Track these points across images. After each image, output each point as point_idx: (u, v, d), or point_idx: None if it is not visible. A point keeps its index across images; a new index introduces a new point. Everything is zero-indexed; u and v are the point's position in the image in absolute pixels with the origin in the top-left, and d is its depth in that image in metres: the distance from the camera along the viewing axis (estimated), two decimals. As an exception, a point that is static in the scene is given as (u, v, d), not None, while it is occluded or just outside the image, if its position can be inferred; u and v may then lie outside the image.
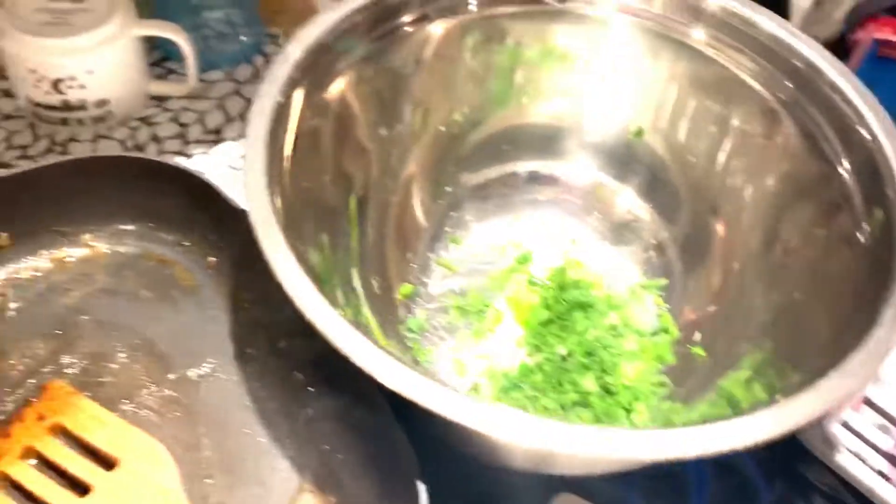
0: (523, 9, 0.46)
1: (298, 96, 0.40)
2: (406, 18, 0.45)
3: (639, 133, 0.50)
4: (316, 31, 0.42)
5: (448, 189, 0.51)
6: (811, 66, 0.43)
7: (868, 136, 0.40)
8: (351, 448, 0.38)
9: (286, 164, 0.39)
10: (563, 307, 0.48)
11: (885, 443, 0.45)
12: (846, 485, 0.44)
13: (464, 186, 0.51)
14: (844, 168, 0.40)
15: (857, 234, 0.39)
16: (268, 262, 0.34)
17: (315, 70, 0.41)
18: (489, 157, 0.51)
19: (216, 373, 0.41)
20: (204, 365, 0.42)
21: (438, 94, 0.48)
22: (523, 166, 0.52)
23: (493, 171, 0.52)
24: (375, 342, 0.32)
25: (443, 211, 0.51)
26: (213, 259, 0.45)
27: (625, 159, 0.50)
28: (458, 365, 0.47)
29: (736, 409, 0.41)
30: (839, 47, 0.60)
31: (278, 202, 0.37)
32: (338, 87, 0.43)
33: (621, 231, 0.51)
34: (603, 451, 0.30)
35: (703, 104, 0.47)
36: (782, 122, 0.44)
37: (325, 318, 0.33)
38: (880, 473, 0.44)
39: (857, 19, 0.59)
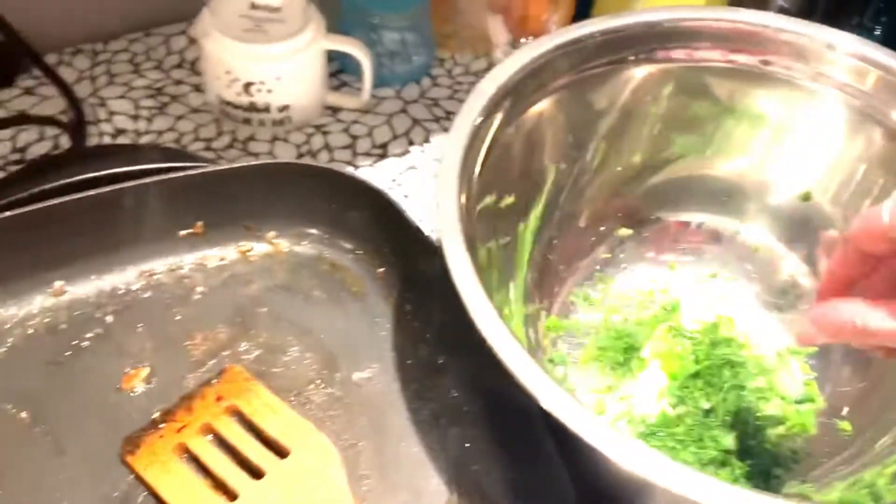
0: (726, 65, 0.47)
1: (495, 120, 0.42)
2: (602, 60, 0.46)
3: (806, 196, 0.50)
4: (514, 65, 0.44)
5: (607, 227, 0.52)
6: None
7: None
8: (503, 473, 0.39)
9: (473, 179, 0.41)
10: (713, 363, 0.48)
11: None
12: None
13: (627, 228, 0.52)
14: None
15: None
16: (451, 280, 0.36)
17: (513, 97, 0.43)
18: (658, 203, 0.52)
19: (377, 378, 0.44)
20: (367, 369, 0.44)
21: (626, 135, 0.49)
22: (691, 216, 0.52)
23: (660, 217, 0.52)
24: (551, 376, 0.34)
25: (600, 249, 0.52)
26: (383, 269, 0.47)
27: (797, 226, 0.50)
28: (599, 404, 0.48)
29: (877, 500, 0.40)
30: None
31: (464, 218, 0.39)
32: (536, 111, 0.44)
33: (779, 296, 0.51)
34: None
35: (888, 183, 0.46)
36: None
37: (500, 338, 0.34)
38: None
39: None
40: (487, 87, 0.43)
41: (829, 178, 0.49)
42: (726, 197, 0.51)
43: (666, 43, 0.47)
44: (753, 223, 0.52)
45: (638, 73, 0.47)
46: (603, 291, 0.52)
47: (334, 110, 0.63)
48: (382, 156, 0.61)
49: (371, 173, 0.59)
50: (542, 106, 0.45)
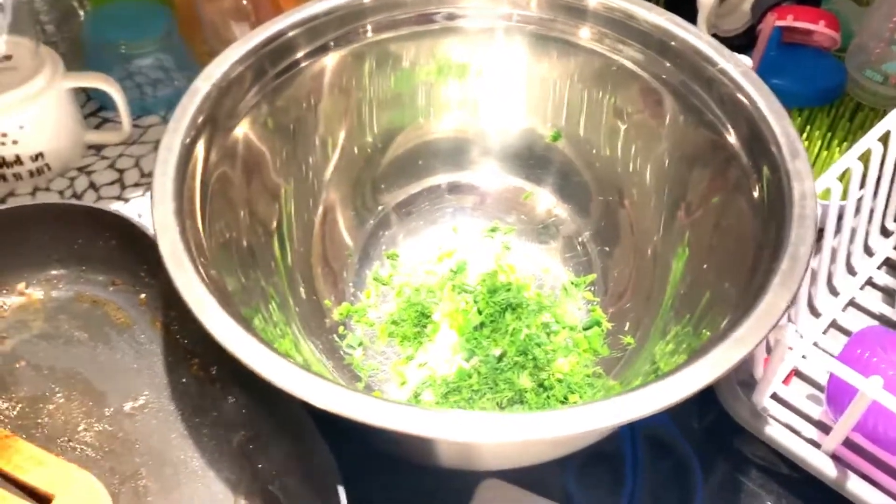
0: (410, 30, 0.48)
1: (203, 141, 0.42)
2: (301, 53, 0.46)
3: (556, 137, 0.52)
4: (205, 83, 0.44)
5: (370, 210, 0.53)
6: (689, 46, 0.45)
7: (747, 102, 0.42)
8: (281, 463, 0.39)
9: (197, 196, 0.40)
10: (494, 310, 0.49)
11: (816, 411, 0.46)
12: (779, 456, 0.45)
13: (388, 205, 0.52)
14: (729, 132, 0.42)
15: (751, 195, 0.40)
16: (175, 286, 0.35)
17: (214, 121, 0.43)
18: (406, 175, 0.53)
19: (151, 404, 0.42)
20: (140, 398, 0.43)
21: (342, 121, 0.49)
22: (440, 179, 0.53)
23: (413, 188, 0.53)
24: (293, 359, 0.34)
25: (372, 231, 0.53)
26: (144, 295, 0.46)
27: (534, 162, 0.52)
28: (400, 376, 0.48)
29: (656, 372, 0.42)
30: (749, 38, 0.63)
31: (190, 234, 0.38)
32: (241, 131, 0.44)
33: (545, 232, 0.53)
34: (525, 434, 0.31)
35: (595, 97, 0.48)
36: (665, 101, 0.45)
37: (232, 337, 0.34)
38: (811, 442, 0.45)
39: (762, 9, 0.62)
40: (186, 112, 0.42)
41: (540, 107, 0.51)
42: (461, 152, 0.53)
43: (357, 21, 0.48)
44: (492, 169, 0.53)
45: (330, 61, 0.48)
46: (391, 267, 0.53)
47: (98, 148, 0.62)
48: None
49: (143, 202, 0.58)
50: (245, 124, 0.45)
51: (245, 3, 0.64)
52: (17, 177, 0.58)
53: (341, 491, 0.34)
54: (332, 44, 0.47)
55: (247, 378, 0.41)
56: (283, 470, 0.39)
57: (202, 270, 0.36)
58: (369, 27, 0.48)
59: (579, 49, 0.48)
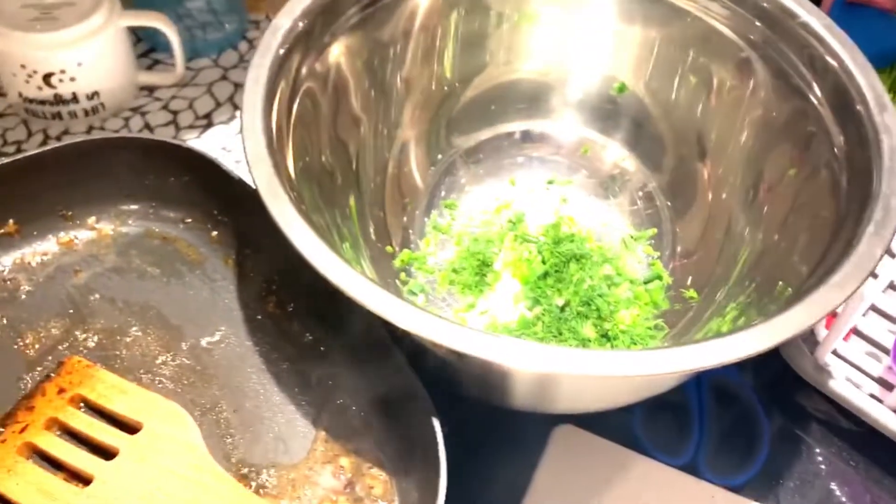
0: None
1: (291, 66, 0.42)
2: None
3: (622, 88, 0.52)
4: (301, 4, 0.43)
5: (441, 154, 0.53)
6: (778, 5, 0.45)
7: (833, 62, 0.42)
8: (365, 398, 0.39)
9: (284, 129, 0.40)
10: (559, 260, 0.49)
11: (875, 368, 0.47)
12: (841, 410, 0.46)
13: (457, 150, 0.52)
14: (815, 95, 0.42)
15: (834, 159, 0.40)
16: (274, 220, 0.35)
17: (307, 41, 0.43)
18: (479, 119, 0.52)
19: (228, 339, 0.43)
20: (216, 332, 0.43)
21: (425, 60, 0.49)
22: (513, 127, 0.53)
23: (485, 133, 0.53)
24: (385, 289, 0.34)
25: (438, 176, 0.53)
26: (216, 233, 0.46)
27: (609, 113, 0.52)
28: (463, 322, 0.48)
29: None
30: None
31: (279, 166, 0.38)
32: (330, 56, 0.44)
33: (610, 185, 0.53)
34: (601, 370, 0.32)
35: (680, 54, 0.48)
36: (754, 64, 0.46)
37: (335, 268, 0.34)
38: (872, 396, 0.46)
39: (824, -30, 0.61)
40: (283, 21, 0.42)
41: (623, 60, 0.51)
42: (537, 100, 0.53)
43: None
44: (568, 120, 0.53)
45: (423, 1, 0.48)
46: (450, 216, 0.53)
47: (150, 90, 0.61)
48: (208, 126, 0.59)
49: (199, 144, 0.57)
50: (337, 50, 0.45)
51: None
52: (73, 115, 0.58)
53: (436, 423, 0.34)
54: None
55: (327, 315, 0.42)
56: (368, 404, 0.39)
57: (295, 204, 0.36)
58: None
59: (667, 6, 0.48)
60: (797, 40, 0.44)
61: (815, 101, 0.42)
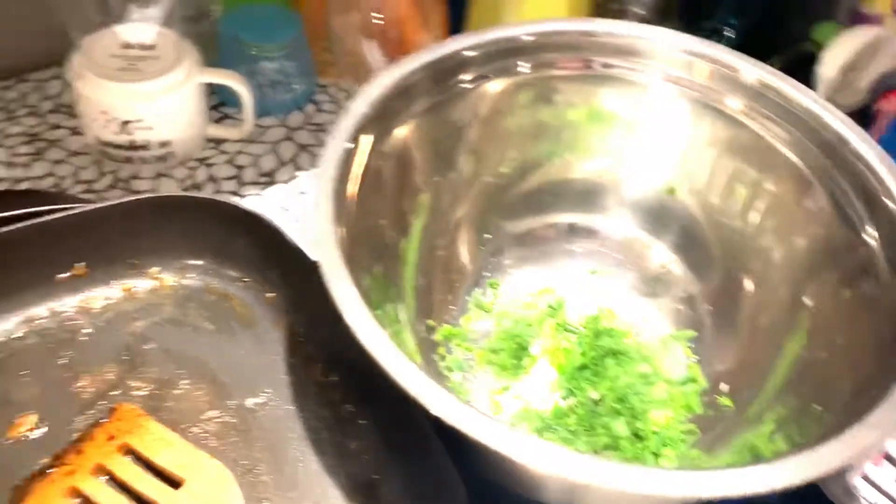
0: (572, 73, 0.50)
1: (365, 142, 0.44)
2: (465, 77, 0.48)
3: (671, 191, 0.53)
4: (379, 87, 0.46)
5: (491, 236, 0.54)
6: (839, 137, 0.46)
7: (892, 206, 0.43)
8: (400, 479, 0.40)
9: (350, 203, 0.42)
10: (597, 354, 0.50)
11: (904, 497, 0.47)
12: (866, 535, 0.46)
13: (506, 234, 0.54)
14: (870, 235, 0.43)
15: (881, 299, 0.41)
16: (332, 297, 0.37)
17: (381, 120, 0.45)
18: (532, 208, 0.54)
19: (272, 402, 0.44)
20: (261, 394, 0.44)
21: (490, 146, 0.51)
22: (563, 218, 0.55)
23: (535, 222, 0.55)
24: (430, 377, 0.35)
25: (484, 256, 0.54)
26: (272, 295, 0.48)
27: (660, 216, 0.53)
28: (495, 405, 0.49)
29: (758, 460, 0.43)
30: (863, 116, 0.64)
31: (342, 239, 0.40)
32: (401, 135, 0.46)
33: (653, 284, 0.54)
34: (632, 487, 0.32)
35: (738, 168, 0.50)
36: (813, 187, 0.47)
37: (384, 350, 0.35)
38: (899, 525, 0.46)
39: (881, 90, 0.63)
40: (358, 107, 0.45)
41: (681, 168, 0.52)
42: (590, 196, 0.54)
43: (519, 56, 0.50)
44: (619, 218, 0.55)
45: (493, 88, 0.50)
46: (493, 296, 0.54)
47: (217, 142, 0.64)
48: (269, 183, 0.61)
49: (259, 202, 0.60)
50: (407, 129, 0.47)
51: (374, 21, 0.66)
52: (143, 160, 0.60)
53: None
54: (491, 74, 0.49)
55: (368, 391, 0.43)
56: (401, 484, 0.40)
57: (357, 286, 0.38)
58: (529, 63, 0.50)
59: (732, 121, 0.50)
60: (854, 174, 0.45)
61: (869, 239, 0.43)
